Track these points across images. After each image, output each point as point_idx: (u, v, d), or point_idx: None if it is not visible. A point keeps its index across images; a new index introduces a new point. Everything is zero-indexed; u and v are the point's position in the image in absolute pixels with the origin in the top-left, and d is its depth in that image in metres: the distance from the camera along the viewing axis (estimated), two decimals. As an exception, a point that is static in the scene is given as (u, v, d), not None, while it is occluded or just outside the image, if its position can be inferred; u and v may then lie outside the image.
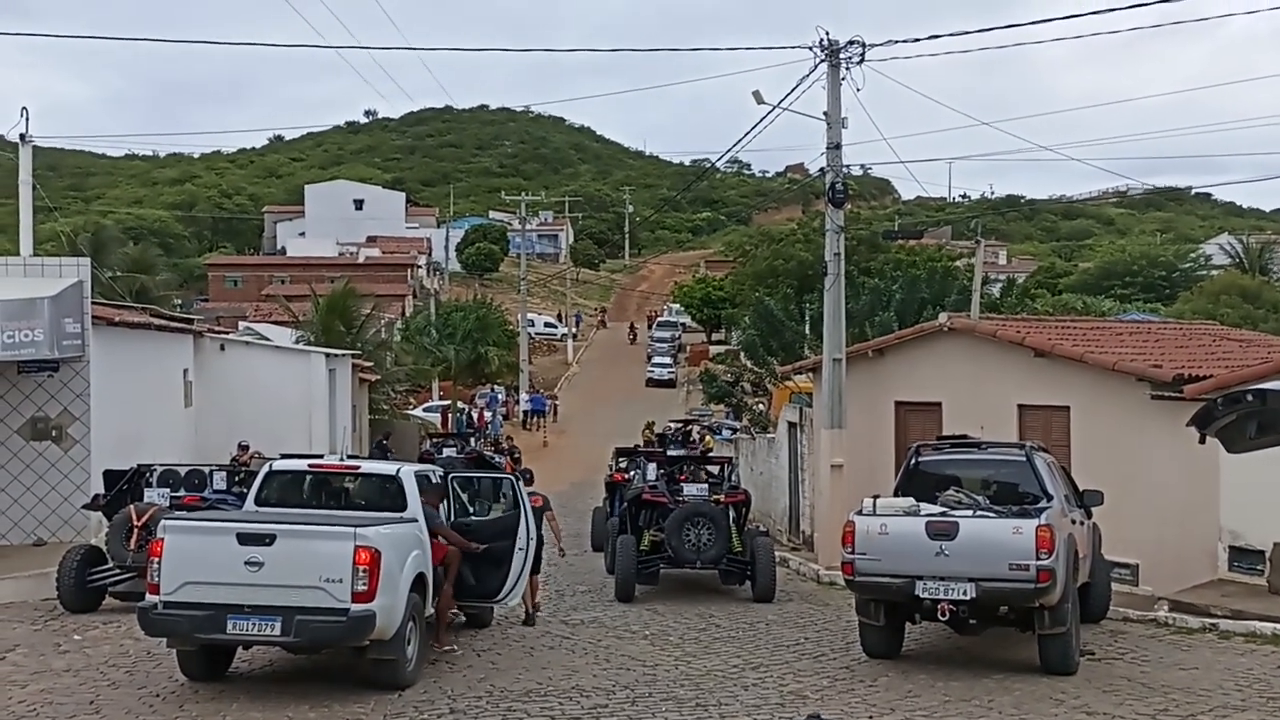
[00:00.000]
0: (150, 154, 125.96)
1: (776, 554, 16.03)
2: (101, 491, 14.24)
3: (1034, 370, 16.20)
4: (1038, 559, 9.85)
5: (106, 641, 11.22)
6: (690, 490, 15.75)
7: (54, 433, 16.30)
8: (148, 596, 9.10)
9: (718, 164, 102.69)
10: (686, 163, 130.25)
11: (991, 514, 10.52)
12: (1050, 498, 10.82)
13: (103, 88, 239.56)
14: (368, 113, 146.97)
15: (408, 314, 58.49)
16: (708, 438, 32.95)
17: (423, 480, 11.02)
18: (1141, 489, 14.18)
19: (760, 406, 32.92)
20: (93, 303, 16.84)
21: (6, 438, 16.16)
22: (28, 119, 21.31)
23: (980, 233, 36.06)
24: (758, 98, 17.22)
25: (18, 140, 21.24)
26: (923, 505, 10.73)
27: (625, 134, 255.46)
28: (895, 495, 11.19)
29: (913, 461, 11.78)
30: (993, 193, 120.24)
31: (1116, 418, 15.05)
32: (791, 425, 22.26)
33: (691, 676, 10.23)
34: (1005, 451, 11.89)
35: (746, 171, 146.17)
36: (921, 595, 10.19)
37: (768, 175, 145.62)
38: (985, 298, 31.26)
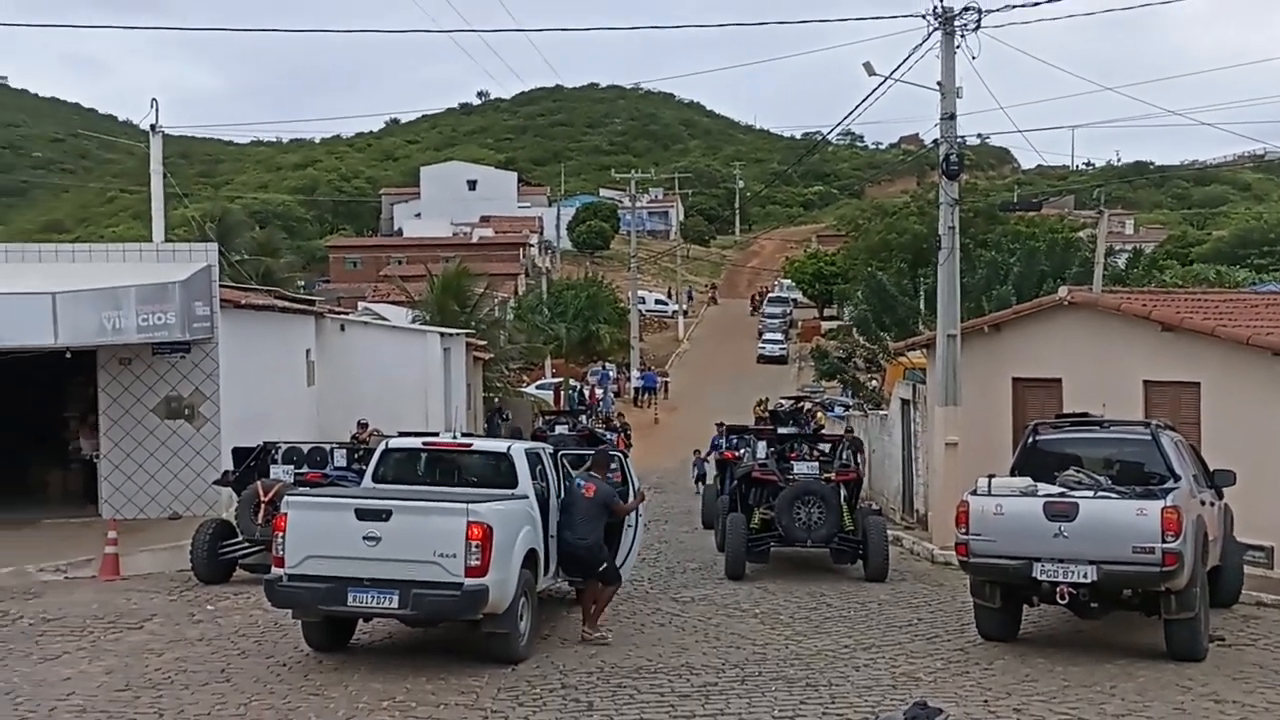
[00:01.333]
0: (274, 140, 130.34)
1: (889, 533, 15.81)
2: (230, 468, 14.81)
3: (1161, 345, 15.57)
4: (1163, 541, 9.51)
5: (237, 612, 11.69)
6: (801, 468, 15.62)
7: (186, 411, 17.02)
8: (273, 569, 9.45)
9: (829, 137, 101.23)
10: (797, 136, 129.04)
11: (1114, 494, 10.19)
12: (1177, 478, 10.42)
13: (231, 78, 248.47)
14: (480, 94, 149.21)
15: (520, 293, 59.31)
16: (819, 415, 32.61)
17: (601, 454, 11.97)
18: (1277, 468, 13.53)
19: (873, 383, 32.43)
20: (221, 286, 17.50)
21: (143, 417, 16.93)
22: (157, 110, 22.24)
23: (1104, 202, 34.67)
24: (869, 69, 16.89)
25: (149, 130, 22.16)
26: (1040, 485, 10.45)
27: (735, 108, 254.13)
28: (1012, 474, 10.92)
29: (1030, 440, 11.46)
30: (1119, 160, 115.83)
31: (1250, 394, 14.39)
32: (905, 402, 21.88)
33: (802, 656, 10.17)
34: (1129, 430, 11.49)
35: (859, 144, 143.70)
36: (1039, 577, 9.93)
37: (880, 147, 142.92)
38: (1110, 269, 30.17)
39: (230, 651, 10.02)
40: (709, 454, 27.76)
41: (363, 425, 19.63)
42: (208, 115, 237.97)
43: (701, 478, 27.37)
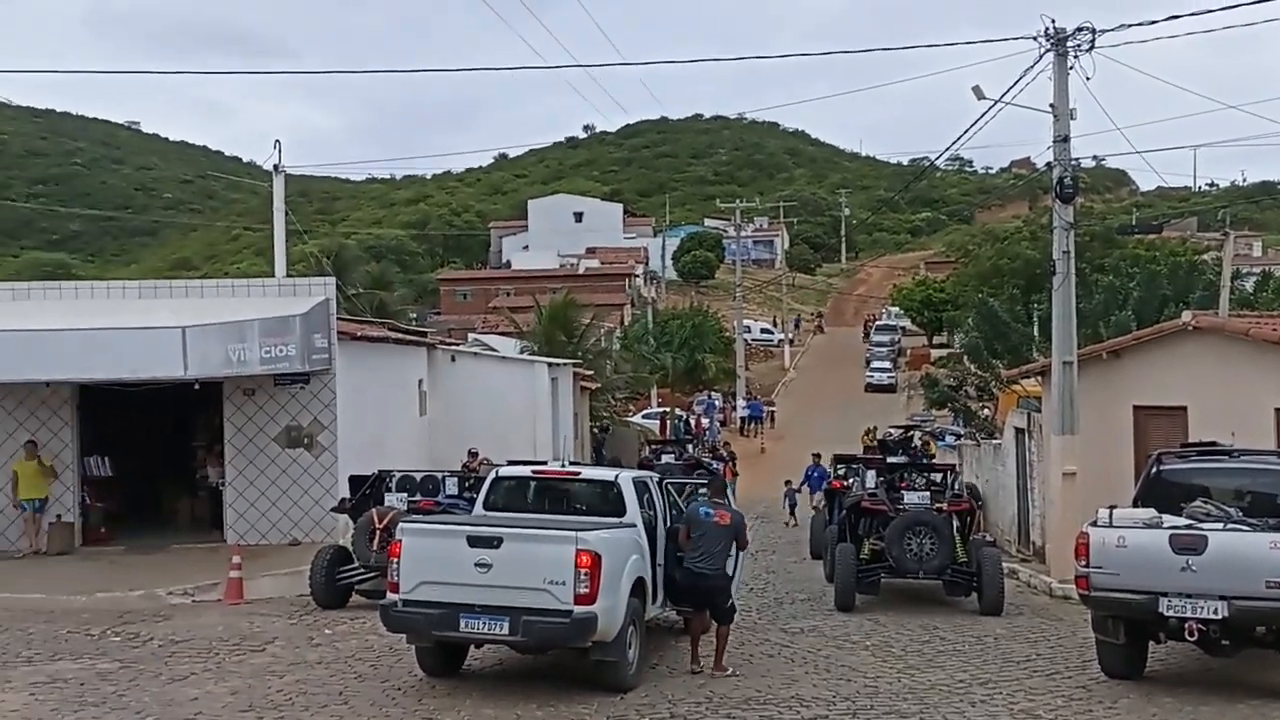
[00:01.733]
0: (388, 177, 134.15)
1: (1004, 565, 15.40)
2: (347, 495, 15.22)
3: (1294, 371, 14.88)
4: (1301, 577, 9.05)
5: (353, 636, 11.97)
6: (911, 498, 15.34)
7: (305, 441, 17.53)
8: (388, 595, 9.66)
9: (937, 162, 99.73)
10: (904, 162, 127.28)
11: (1246, 527, 9.76)
12: (1314, 510, 9.92)
13: (348, 118, 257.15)
14: (586, 128, 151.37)
15: (626, 323, 59.70)
16: (930, 444, 31.99)
17: (718, 480, 12.21)
18: None
19: (985, 411, 31.70)
20: (338, 318, 18.04)
21: (265, 445, 17.51)
22: (281, 151, 23.13)
23: (1230, 223, 33.45)
24: (978, 93, 16.63)
25: (272, 170, 23.05)
26: (1165, 517, 10.07)
27: (840, 136, 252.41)
28: (1134, 505, 10.55)
29: (1154, 470, 11.06)
30: (1244, 180, 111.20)
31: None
32: (1019, 431, 21.32)
33: (915, 690, 9.96)
34: (1261, 460, 11.01)
35: (968, 168, 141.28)
36: (1166, 613, 9.54)
37: (991, 171, 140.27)
38: (1237, 293, 29.03)
39: (348, 675, 10.26)
40: (801, 485, 27.49)
41: (473, 454, 19.97)
42: (325, 155, 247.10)
43: (793, 508, 27.11)
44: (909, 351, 68.41)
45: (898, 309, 75.46)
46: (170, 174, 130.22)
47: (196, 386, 16.38)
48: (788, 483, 28.23)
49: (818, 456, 27.42)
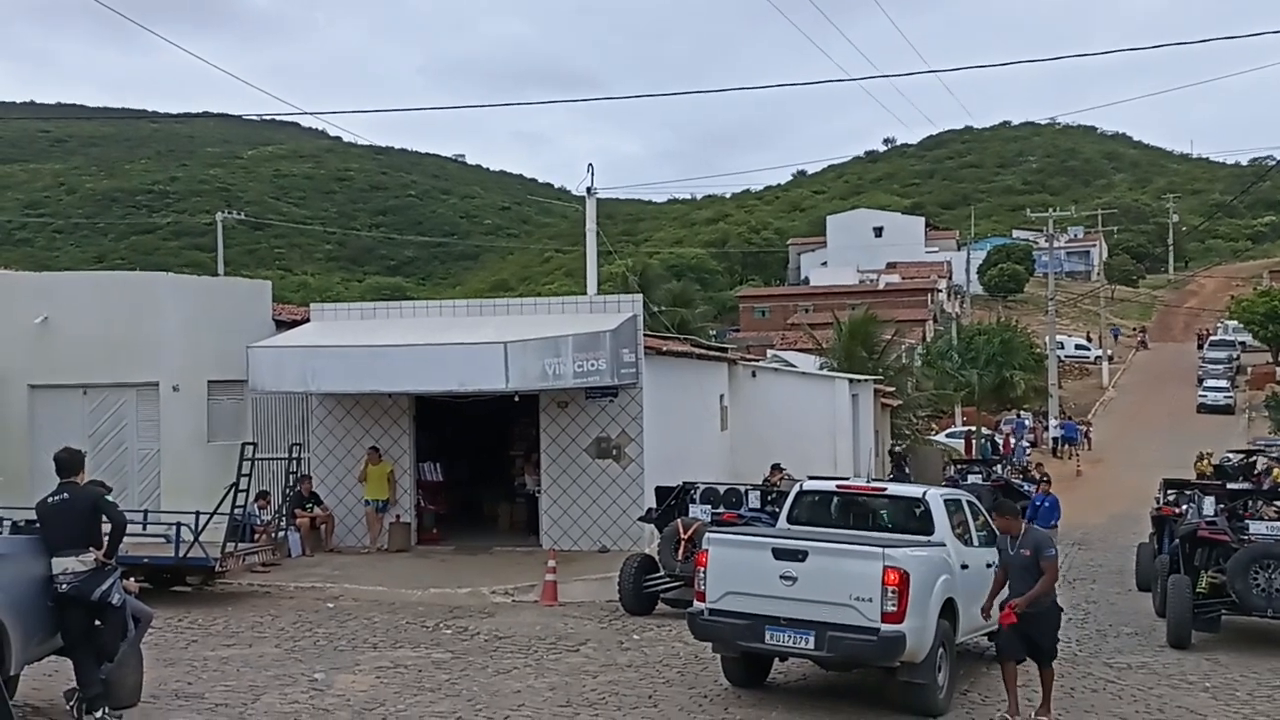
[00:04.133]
0: (689, 197, 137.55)
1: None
2: (653, 506, 15.68)
3: None
4: None
5: (660, 643, 12.30)
6: (1259, 528, 13.88)
7: (614, 452, 18.23)
8: (695, 603, 9.86)
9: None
10: (1243, 162, 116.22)
11: None
12: None
13: (650, 143, 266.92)
14: (886, 140, 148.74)
15: (928, 339, 57.99)
16: (1276, 471, 28.87)
17: (1005, 503, 10.90)
18: None
19: (1348, 436, 28.23)
20: (643, 334, 18.66)
21: (577, 456, 18.36)
22: (593, 174, 24.26)
23: None
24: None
25: (585, 194, 24.23)
26: None
27: (1167, 137, 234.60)
28: None
29: None
30: None
31: None
32: (1390, 458, 18.81)
33: (1265, 740, 9.02)
34: None
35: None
36: None
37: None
38: None
39: (656, 679, 10.55)
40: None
41: (777, 468, 20.02)
42: (629, 178, 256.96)
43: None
44: (1250, 369, 62.23)
45: (1236, 322, 68.69)
46: (490, 202, 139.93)
47: (516, 399, 17.46)
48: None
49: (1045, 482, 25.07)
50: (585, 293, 25.31)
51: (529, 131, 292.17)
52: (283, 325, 19.17)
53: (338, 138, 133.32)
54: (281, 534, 17.17)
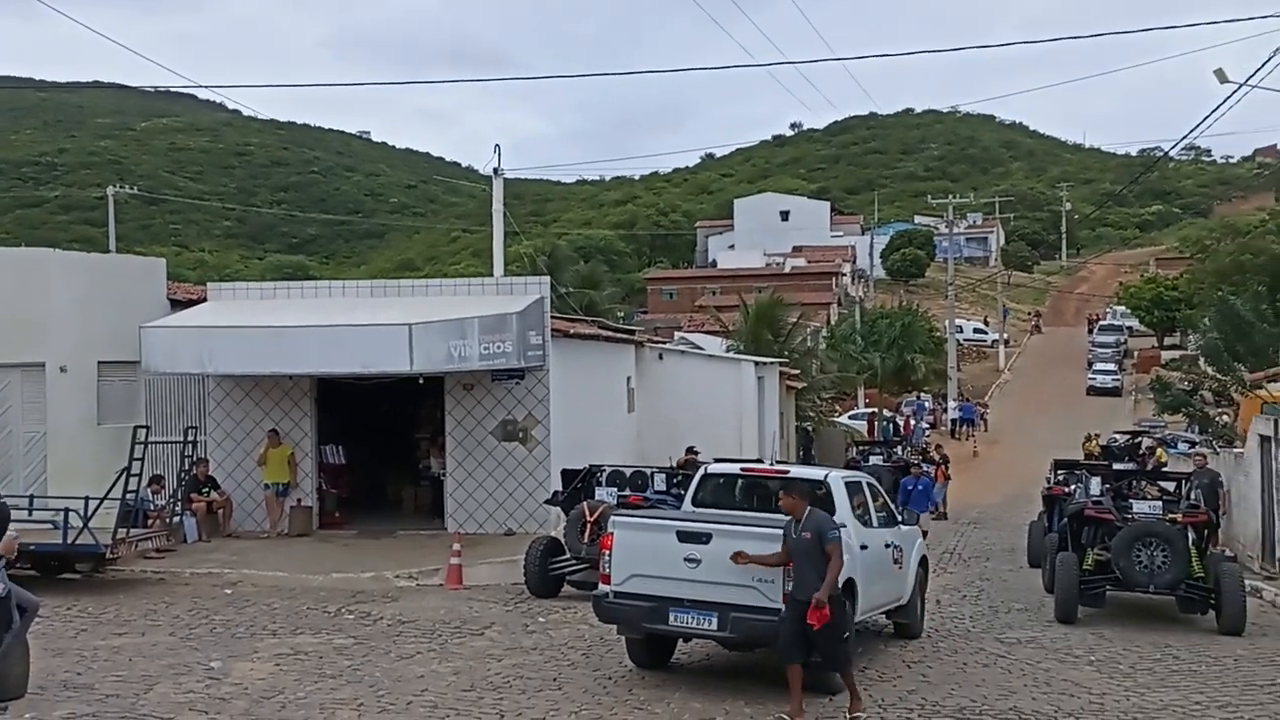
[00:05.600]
0: (598, 179, 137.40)
1: (1247, 582, 14.32)
2: (559, 489, 15.69)
3: None
4: None
5: (565, 625, 12.32)
6: (1141, 507, 14.49)
7: (521, 434, 18.17)
8: (600, 586, 9.89)
9: (1171, 152, 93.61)
10: (1133, 153, 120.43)
11: None
12: None
13: (559, 124, 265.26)
14: (793, 125, 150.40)
15: (833, 322, 58.94)
16: (1159, 451, 30.12)
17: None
18: None
19: (1224, 418, 29.54)
20: (551, 316, 18.60)
21: (483, 439, 18.25)
22: (500, 155, 24.05)
23: None
24: (1221, 76, 15.59)
25: (492, 174, 24.01)
26: None
27: (1062, 127, 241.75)
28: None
29: None
30: None
31: None
32: (1264, 439, 19.73)
33: (1145, 710, 9.41)
34: None
35: (1205, 158, 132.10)
36: None
37: (1232, 161, 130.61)
38: None
39: (561, 662, 10.57)
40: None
41: (691, 451, 20.11)
42: (538, 159, 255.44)
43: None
44: (1136, 353, 64.69)
45: (1124, 308, 71.33)
46: (396, 180, 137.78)
47: (421, 381, 17.28)
48: None
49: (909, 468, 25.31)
50: (492, 274, 25.13)
51: (435, 109, 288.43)
52: (178, 304, 18.64)
53: (236, 111, 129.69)
54: (177, 519, 16.74)
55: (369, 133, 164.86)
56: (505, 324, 16.40)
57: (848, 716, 8.76)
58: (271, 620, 12.25)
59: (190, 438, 16.63)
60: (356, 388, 18.31)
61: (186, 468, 16.89)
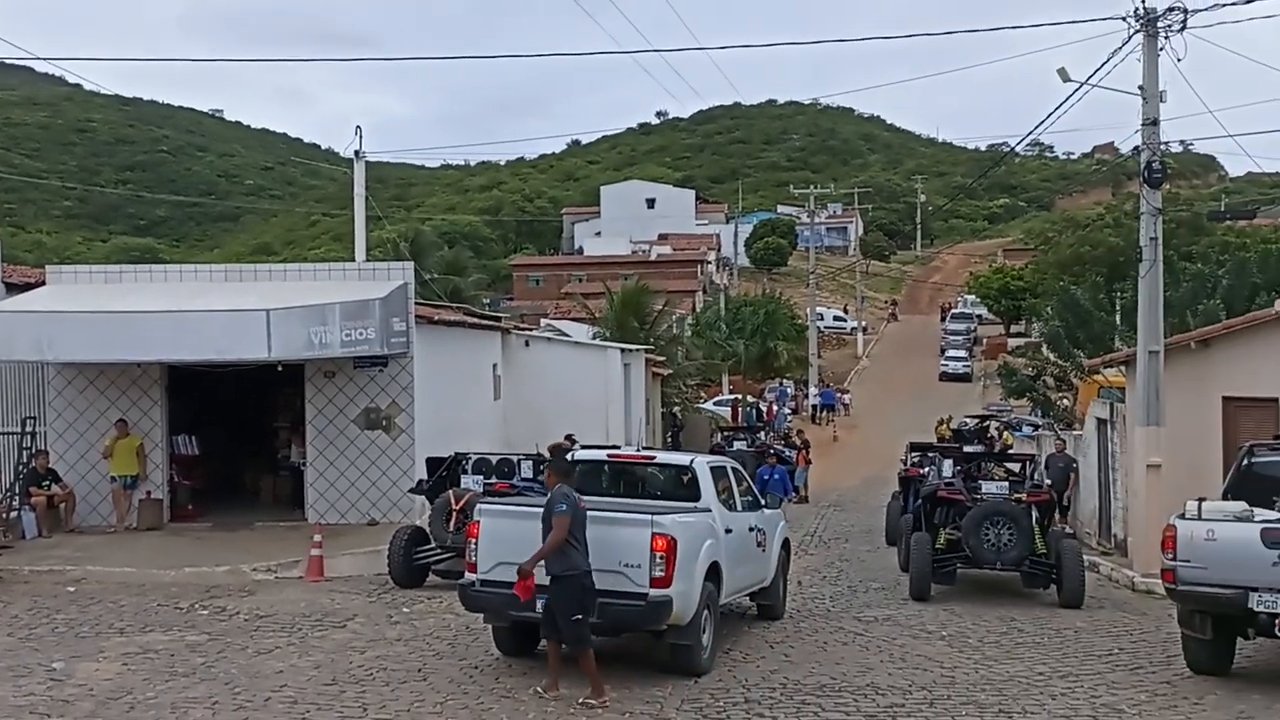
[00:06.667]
0: (463, 164, 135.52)
1: (1085, 558, 15.12)
2: (424, 477, 15.44)
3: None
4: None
5: (431, 615, 12.16)
6: (989, 488, 15.14)
7: (384, 422, 17.81)
8: (466, 575, 9.79)
9: (1017, 148, 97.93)
10: (982, 148, 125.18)
11: (1341, 522, 9.43)
12: None
13: (423, 106, 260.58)
14: (659, 114, 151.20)
15: (698, 309, 59.64)
16: (1006, 434, 31.51)
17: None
18: None
19: (1064, 402, 31.11)
20: (415, 303, 18.27)
21: (345, 427, 17.83)
22: (361, 137, 23.43)
23: (1325, 209, 32.29)
24: (1063, 75, 16.26)
25: (353, 157, 23.38)
26: (1257, 510, 9.79)
27: (917, 122, 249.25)
28: (1224, 498, 10.27)
29: (1245, 462, 10.76)
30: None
31: None
32: (1101, 422, 20.89)
33: (993, 681, 9.84)
34: (1358, 453, 10.62)
35: (1049, 154, 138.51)
36: (1256, 609, 9.30)
37: (1073, 157, 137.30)
38: (1331, 282, 27.99)
39: (426, 652, 10.43)
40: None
41: (569, 439, 19.98)
42: (401, 141, 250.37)
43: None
44: (985, 340, 67.41)
45: (974, 297, 74.30)
46: (251, 161, 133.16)
47: (279, 368, 16.73)
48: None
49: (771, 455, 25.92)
50: (354, 259, 24.54)
51: (292, 88, 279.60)
52: (14, 288, 17.58)
53: (78, 85, 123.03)
54: (14, 514, 15.84)
55: (222, 111, 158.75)
56: (368, 310, 16.03)
57: (580, 702, 8.59)
58: (119, 618, 11.72)
59: (28, 429, 15.76)
60: (211, 375, 17.64)
61: (25, 460, 15.99)
